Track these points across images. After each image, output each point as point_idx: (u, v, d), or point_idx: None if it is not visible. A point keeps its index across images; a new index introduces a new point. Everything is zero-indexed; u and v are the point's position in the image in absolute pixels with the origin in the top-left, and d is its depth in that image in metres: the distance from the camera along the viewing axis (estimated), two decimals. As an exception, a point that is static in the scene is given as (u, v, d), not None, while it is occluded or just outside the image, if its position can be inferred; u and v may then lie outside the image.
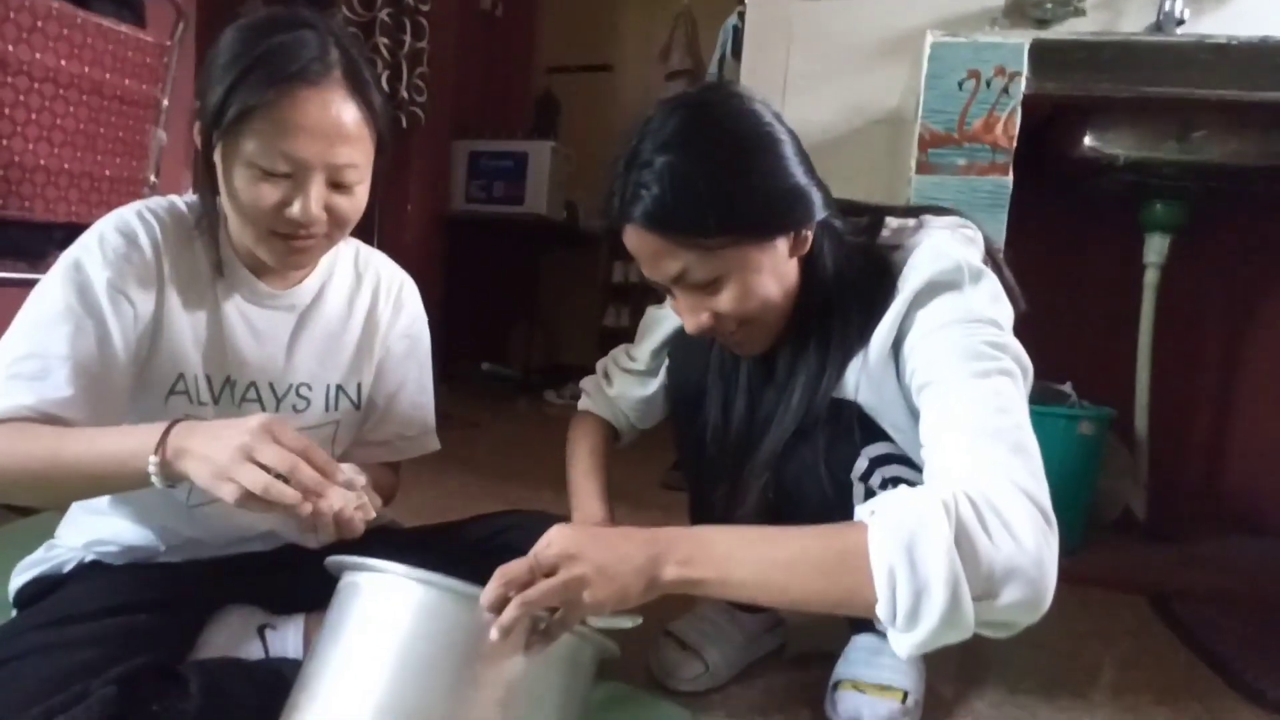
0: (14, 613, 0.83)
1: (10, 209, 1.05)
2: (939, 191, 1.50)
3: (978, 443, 0.65)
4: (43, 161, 1.09)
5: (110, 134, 1.17)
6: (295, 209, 0.73)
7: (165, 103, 1.26)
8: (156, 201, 0.82)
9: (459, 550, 0.89)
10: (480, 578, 0.62)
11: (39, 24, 1.03)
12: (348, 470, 0.69)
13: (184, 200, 0.83)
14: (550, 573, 0.61)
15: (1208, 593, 1.46)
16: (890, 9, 1.97)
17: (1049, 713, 1.01)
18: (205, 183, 0.78)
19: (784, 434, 0.83)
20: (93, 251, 0.75)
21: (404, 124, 2.82)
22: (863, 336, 0.79)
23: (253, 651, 0.81)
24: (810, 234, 0.80)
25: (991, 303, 0.75)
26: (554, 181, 3.31)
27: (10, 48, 1.01)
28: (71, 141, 1.12)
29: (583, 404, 1.06)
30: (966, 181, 1.50)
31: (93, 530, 0.84)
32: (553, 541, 0.63)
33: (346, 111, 0.73)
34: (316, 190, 0.73)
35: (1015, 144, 1.48)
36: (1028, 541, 0.60)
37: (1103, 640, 1.27)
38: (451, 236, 3.37)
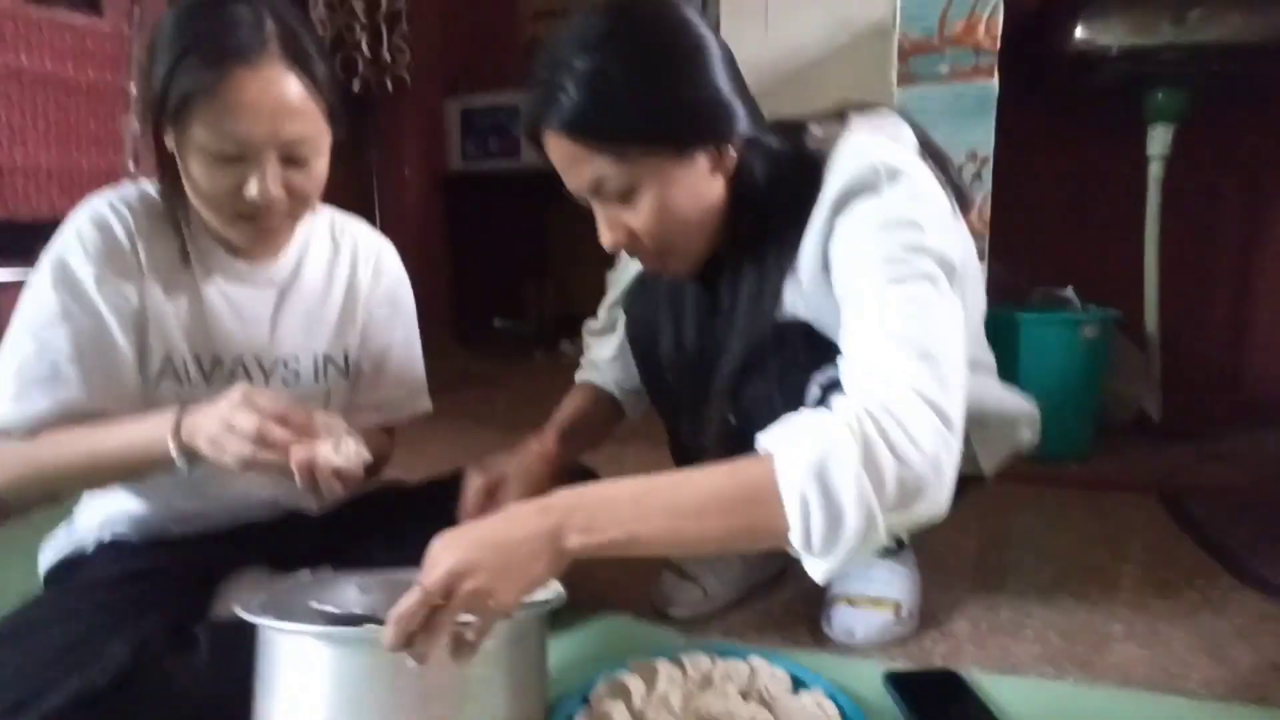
0: (41, 589, 0.89)
1: (11, 213, 1.08)
2: (922, 103, 1.46)
3: (885, 352, 0.65)
4: (19, 162, 1.12)
5: (83, 127, 1.19)
6: (252, 190, 0.74)
7: (133, 90, 1.27)
8: (126, 190, 0.84)
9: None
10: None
11: (6, 27, 1.04)
12: (322, 416, 0.72)
13: (154, 186, 0.85)
14: (447, 594, 0.56)
15: (1220, 489, 1.46)
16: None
17: (1044, 612, 1.02)
18: (164, 169, 0.79)
19: (735, 360, 0.82)
20: (74, 248, 0.78)
21: (389, 88, 2.80)
22: (797, 252, 0.78)
23: (264, 610, 0.85)
24: (733, 151, 0.77)
25: (910, 202, 0.72)
26: (549, 131, 3.26)
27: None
28: (45, 139, 1.15)
29: (577, 377, 1.10)
30: (950, 89, 1.46)
31: (105, 510, 0.88)
32: (437, 562, 0.58)
33: (288, 87, 0.73)
34: (271, 169, 0.74)
35: (1000, 44, 1.43)
36: (927, 448, 0.60)
37: (1108, 541, 1.27)
38: (452, 196, 3.37)
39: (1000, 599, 1.07)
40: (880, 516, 0.59)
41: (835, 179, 0.74)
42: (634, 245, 0.80)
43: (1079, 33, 1.51)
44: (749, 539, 0.64)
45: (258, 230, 0.80)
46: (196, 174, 0.75)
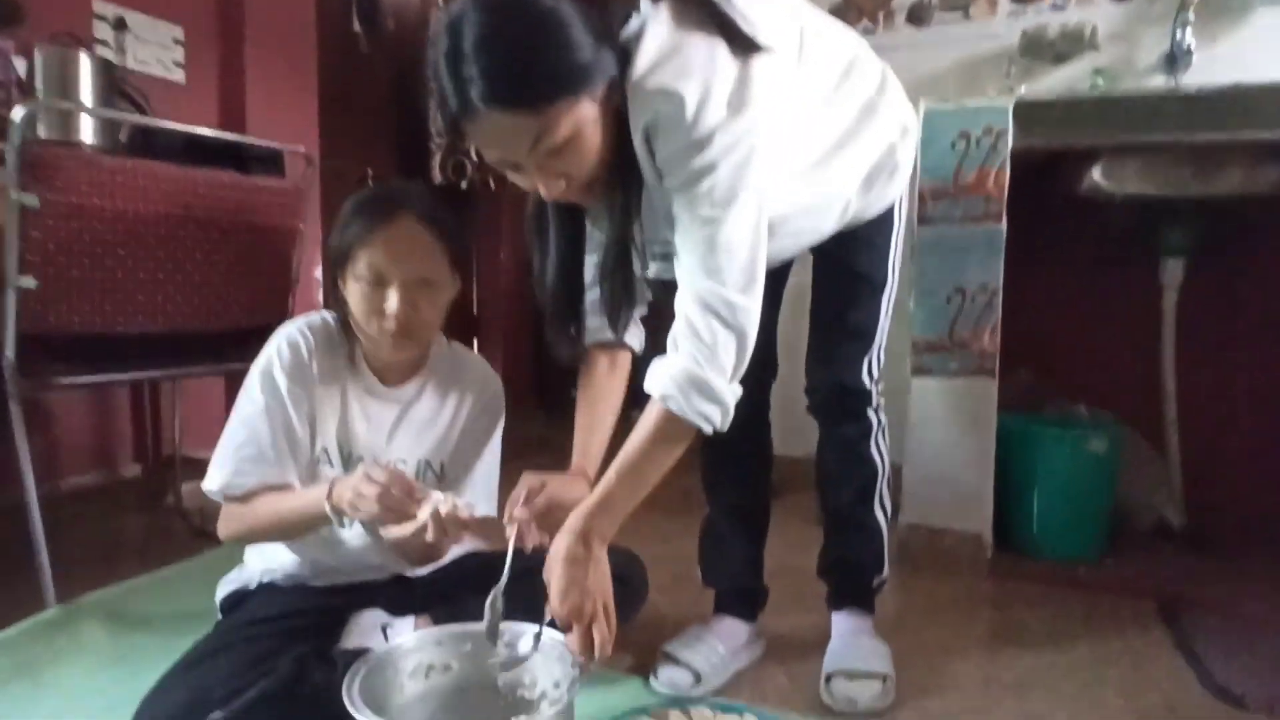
0: (218, 613, 1.21)
1: (212, 325, 1.48)
2: (939, 241, 1.69)
3: (689, 276, 0.92)
4: (222, 290, 1.50)
5: (268, 260, 1.57)
6: (389, 304, 1.05)
7: (302, 227, 1.65)
8: (312, 317, 1.17)
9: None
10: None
11: (225, 192, 1.45)
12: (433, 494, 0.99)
13: (331, 316, 1.16)
14: (579, 613, 0.89)
15: (1217, 601, 1.56)
16: (917, 53, 2.17)
17: (1012, 701, 1.19)
18: (341, 310, 1.12)
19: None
20: (274, 363, 1.10)
21: (492, 185, 3.22)
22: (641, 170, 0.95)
23: (378, 642, 1.13)
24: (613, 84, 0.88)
25: (690, 122, 0.86)
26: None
27: (201, 214, 1.42)
28: (241, 269, 1.53)
29: (586, 341, 1.19)
30: (965, 230, 1.68)
31: (267, 561, 1.19)
32: (555, 604, 0.90)
33: (418, 236, 1.05)
34: (403, 293, 1.05)
35: (1006, 194, 1.64)
36: (720, 335, 0.91)
37: (1094, 641, 1.41)
38: (540, 278, 3.75)
39: (977, 685, 1.24)
40: (730, 376, 0.93)
41: (634, 117, 0.89)
42: (568, 189, 0.92)
43: (1086, 180, 1.69)
44: (684, 447, 0.97)
45: (392, 339, 1.08)
46: (353, 298, 1.07)
